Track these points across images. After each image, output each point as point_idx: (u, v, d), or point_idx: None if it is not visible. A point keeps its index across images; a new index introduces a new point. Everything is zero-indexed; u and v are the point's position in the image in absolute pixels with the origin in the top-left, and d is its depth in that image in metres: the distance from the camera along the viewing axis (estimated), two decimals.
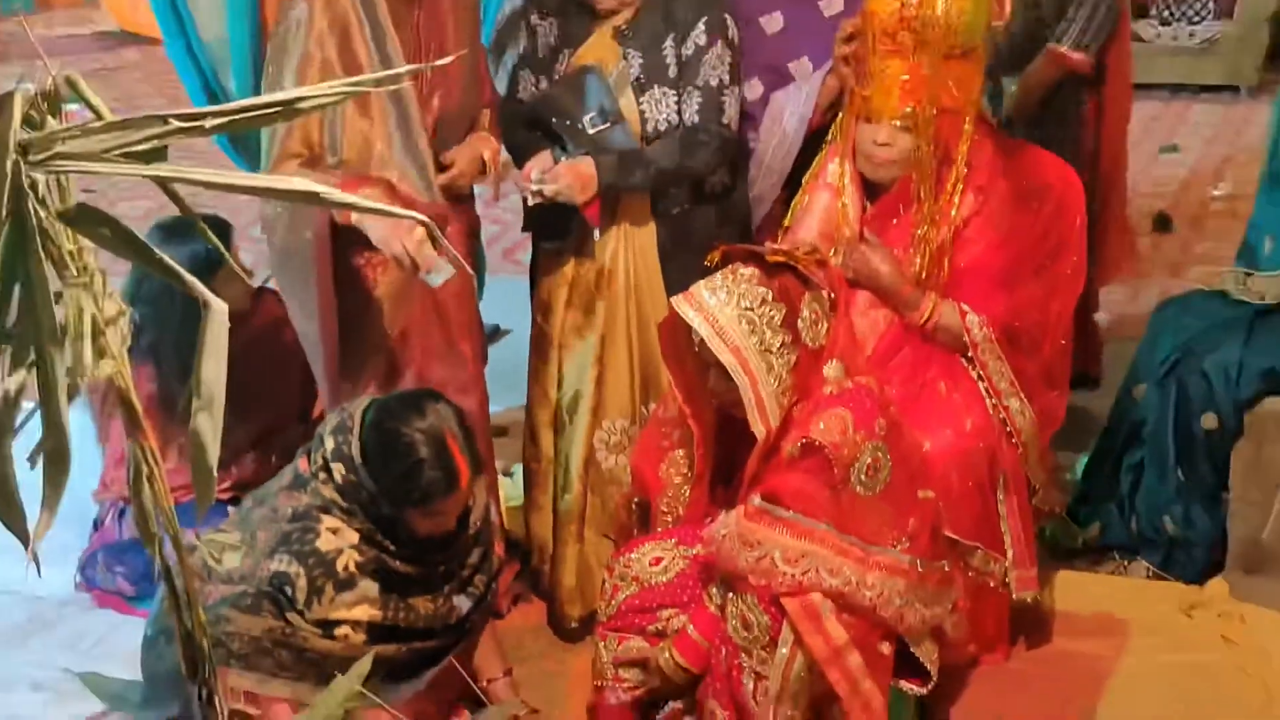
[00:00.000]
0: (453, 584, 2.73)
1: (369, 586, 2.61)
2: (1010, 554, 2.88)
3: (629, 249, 3.07)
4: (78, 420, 3.43)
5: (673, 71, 2.99)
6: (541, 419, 3.18)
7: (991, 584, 2.91)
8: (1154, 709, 2.87)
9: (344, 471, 2.60)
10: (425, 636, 2.70)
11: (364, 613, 2.60)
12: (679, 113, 3.01)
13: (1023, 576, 2.93)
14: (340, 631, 2.58)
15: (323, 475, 2.62)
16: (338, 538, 2.60)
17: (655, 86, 2.99)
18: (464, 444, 2.59)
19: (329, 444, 2.63)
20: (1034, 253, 2.94)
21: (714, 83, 3.00)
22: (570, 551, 3.19)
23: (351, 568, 2.59)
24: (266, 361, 3.48)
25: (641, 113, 3.00)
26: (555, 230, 3.05)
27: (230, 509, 3.42)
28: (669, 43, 2.99)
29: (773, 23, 3.20)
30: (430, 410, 2.60)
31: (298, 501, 2.63)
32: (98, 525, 3.51)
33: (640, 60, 2.99)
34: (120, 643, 3.14)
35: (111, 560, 3.40)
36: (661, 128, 3.00)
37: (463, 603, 2.74)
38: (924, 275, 2.88)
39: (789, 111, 3.10)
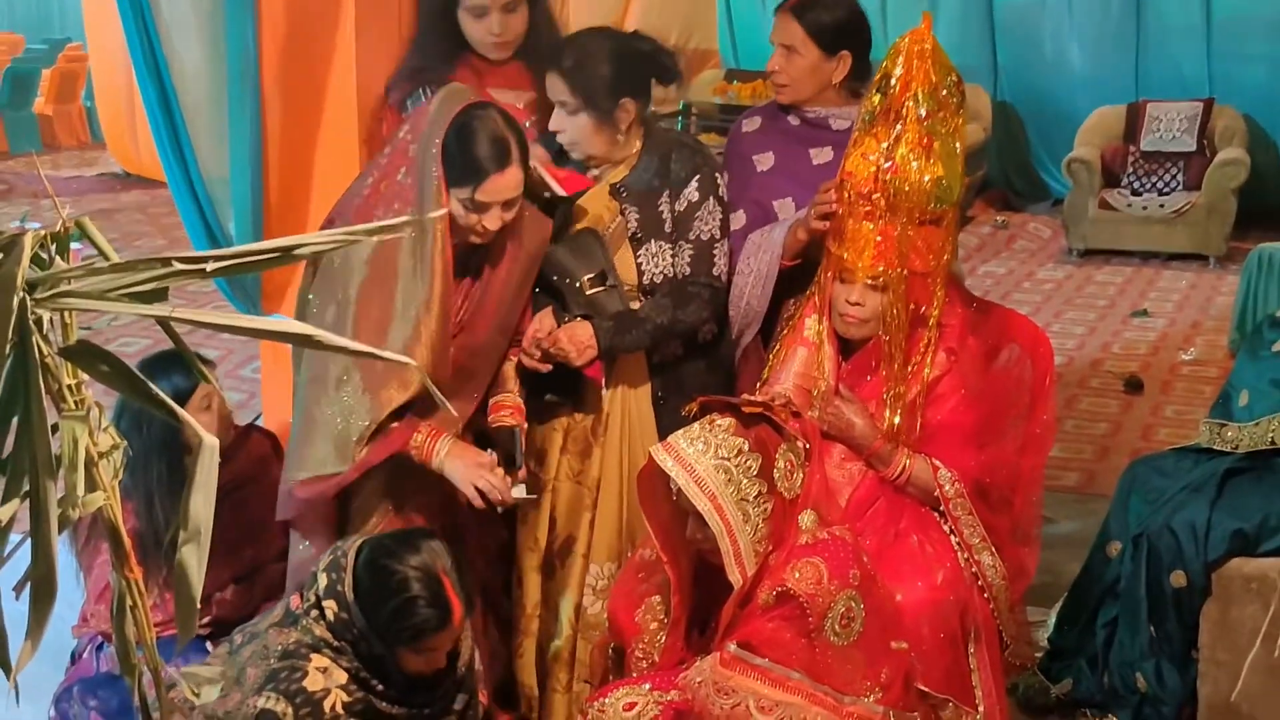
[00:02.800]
0: None
1: None
2: (981, 708, 2.90)
3: (624, 397, 3.15)
4: (59, 556, 3.45)
5: (668, 226, 3.10)
6: (529, 564, 3.20)
7: None
8: None
9: (336, 609, 2.61)
10: None
11: None
12: (673, 266, 3.11)
13: None
14: None
15: (314, 613, 2.63)
16: (326, 677, 2.59)
17: (651, 240, 3.09)
18: (455, 581, 2.61)
19: (322, 581, 2.65)
20: (1004, 410, 3.02)
21: (705, 237, 3.11)
22: (560, 700, 3.18)
23: (338, 708, 2.59)
24: (251, 498, 3.51)
25: (639, 265, 3.10)
26: (558, 385, 3.11)
27: (208, 645, 3.43)
28: (664, 199, 3.10)
29: (764, 161, 3.35)
30: (424, 548, 2.62)
31: (288, 638, 2.64)
32: (74, 659, 3.50)
33: (636, 215, 3.09)
34: None
35: (86, 694, 3.37)
36: (657, 280, 3.10)
37: None
38: (896, 431, 2.95)
39: (759, 255, 3.20)
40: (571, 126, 3.05)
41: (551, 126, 3.07)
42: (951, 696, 2.86)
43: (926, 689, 2.81)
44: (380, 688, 2.62)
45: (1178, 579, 3.34)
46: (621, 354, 3.09)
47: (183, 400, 3.15)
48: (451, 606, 2.59)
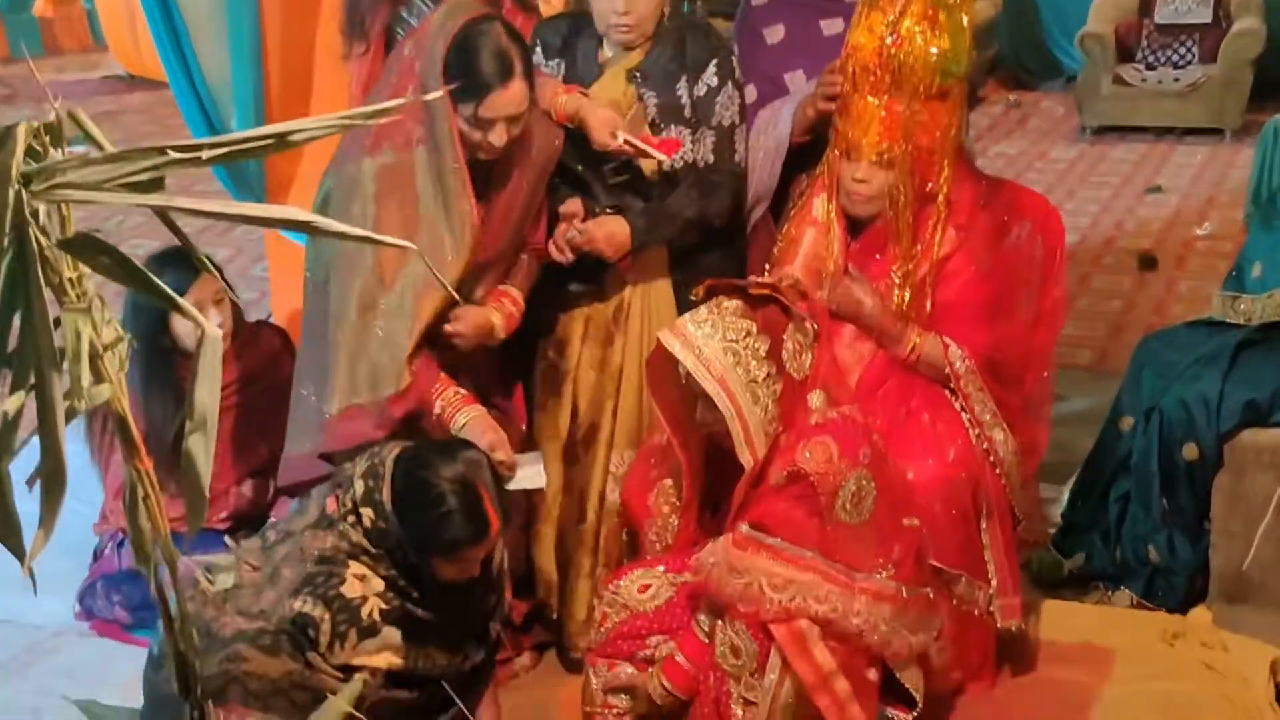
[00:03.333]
0: (469, 633, 2.74)
1: (391, 634, 2.61)
2: (994, 582, 2.92)
3: (645, 285, 3.13)
4: (78, 454, 3.49)
5: (687, 111, 3.06)
6: (550, 451, 3.20)
7: (976, 613, 2.95)
8: None
9: (373, 517, 2.60)
10: (436, 685, 2.69)
11: (385, 660, 2.61)
12: (694, 152, 3.07)
13: (1007, 605, 2.96)
14: (359, 675, 2.55)
15: (351, 518, 2.62)
16: (363, 584, 2.60)
17: (671, 126, 3.05)
18: (494, 494, 2.60)
19: (359, 488, 2.63)
20: (1015, 286, 2.99)
21: (725, 123, 3.07)
22: (583, 585, 3.20)
23: (376, 615, 2.59)
24: (263, 394, 3.53)
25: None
26: (580, 274, 3.09)
27: (228, 539, 3.48)
28: (682, 83, 3.06)
29: (774, 34, 3.30)
30: (462, 459, 2.60)
31: (324, 542, 2.63)
32: (97, 556, 3.56)
33: (655, 101, 3.05)
34: (118, 671, 3.17)
35: (110, 589, 3.44)
36: (677, 166, 3.06)
37: (476, 654, 2.76)
38: (907, 310, 2.93)
39: (769, 131, 3.17)
40: (644, 4, 3.00)
41: (623, 8, 2.99)
42: (964, 571, 2.88)
43: (939, 565, 2.83)
44: (416, 595, 2.63)
45: (1190, 451, 3.34)
46: (652, 247, 3.08)
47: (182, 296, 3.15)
48: (489, 520, 2.57)
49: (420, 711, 2.70)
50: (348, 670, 2.57)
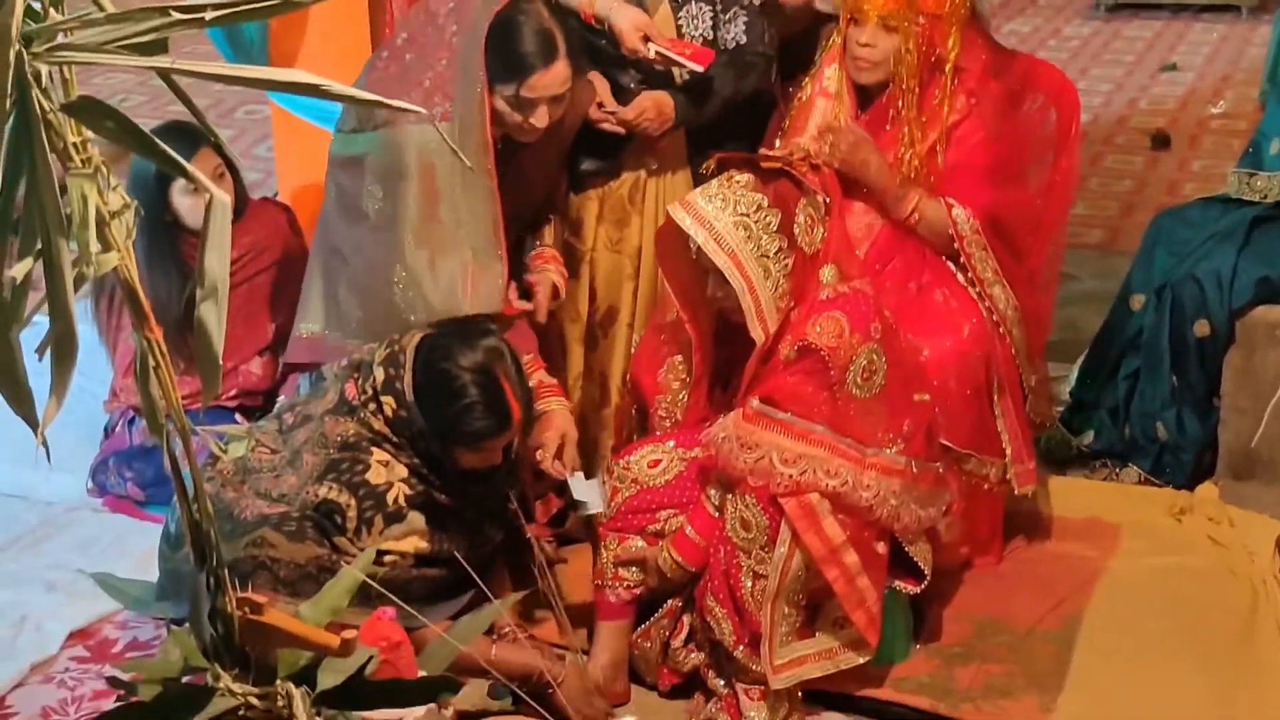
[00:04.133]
0: (490, 516, 2.74)
1: (416, 519, 2.61)
2: (1009, 451, 2.91)
3: (661, 163, 3.09)
4: (87, 333, 3.48)
5: None
6: (572, 335, 3.18)
7: (986, 486, 2.95)
8: (1142, 610, 2.93)
9: (394, 406, 2.58)
10: (459, 563, 2.68)
11: (411, 545, 2.61)
12: (714, 28, 3.01)
13: (1022, 471, 2.97)
14: (388, 559, 2.59)
15: (372, 406, 2.60)
16: (388, 471, 2.59)
17: (692, 2, 3.00)
18: (515, 383, 2.57)
19: (379, 375, 2.60)
20: (1024, 153, 2.95)
21: (756, 2, 3.02)
22: (606, 463, 3.19)
23: (401, 501, 2.59)
24: (269, 270, 3.52)
25: (678, 26, 3.01)
26: (602, 151, 3.05)
27: (238, 416, 3.49)
28: None
29: None
30: (482, 349, 2.57)
31: (345, 429, 2.61)
32: (108, 433, 3.56)
33: None
34: (131, 546, 3.20)
35: (122, 466, 3.45)
36: (698, 43, 3.00)
37: (497, 534, 2.77)
38: (914, 177, 2.89)
39: None
40: None
41: None
42: (975, 450, 2.88)
43: (950, 444, 2.83)
44: (438, 482, 2.62)
45: (1201, 328, 3.33)
46: (690, 124, 3.04)
47: (168, 180, 3.22)
48: (510, 410, 2.55)
49: (449, 587, 2.70)
50: (375, 554, 2.55)
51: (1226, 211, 3.48)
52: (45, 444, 1.59)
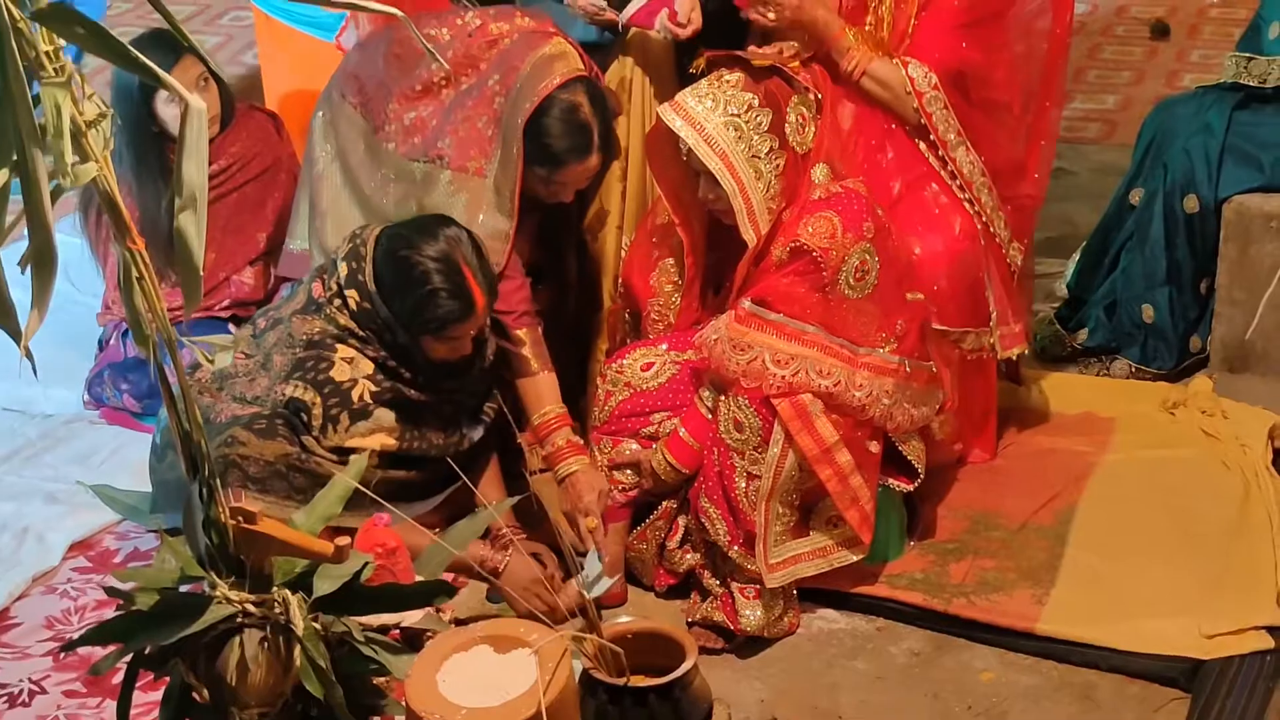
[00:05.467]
0: (465, 414, 2.75)
1: (384, 416, 2.63)
2: (994, 313, 2.87)
3: (645, 60, 3.05)
4: (78, 246, 3.46)
5: None
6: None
7: (985, 356, 2.93)
8: (1135, 503, 2.94)
9: (358, 299, 2.59)
10: (435, 463, 2.73)
11: (378, 441, 2.63)
12: None
13: (1007, 334, 2.93)
14: (360, 455, 2.61)
15: (337, 301, 2.61)
16: (352, 367, 2.61)
17: None
18: (477, 269, 2.58)
19: (342, 270, 2.61)
20: (1005, 12, 2.85)
21: None
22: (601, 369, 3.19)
23: (366, 398, 2.61)
24: (258, 178, 3.49)
25: None
26: (586, 50, 2.97)
27: (231, 326, 3.48)
28: None
29: None
30: (443, 236, 2.57)
31: (312, 327, 2.63)
32: (102, 345, 3.56)
33: None
34: (129, 457, 3.21)
35: (117, 378, 3.45)
36: None
37: (475, 431, 2.78)
38: (885, 32, 2.80)
39: None
40: None
41: None
42: (970, 328, 2.86)
43: (944, 327, 2.81)
44: (407, 375, 2.63)
45: (1190, 203, 3.31)
46: None
47: (152, 89, 3.15)
48: (473, 296, 2.55)
49: (421, 489, 2.73)
50: (341, 452, 2.60)
51: (1221, 96, 3.43)
52: (30, 355, 1.59)
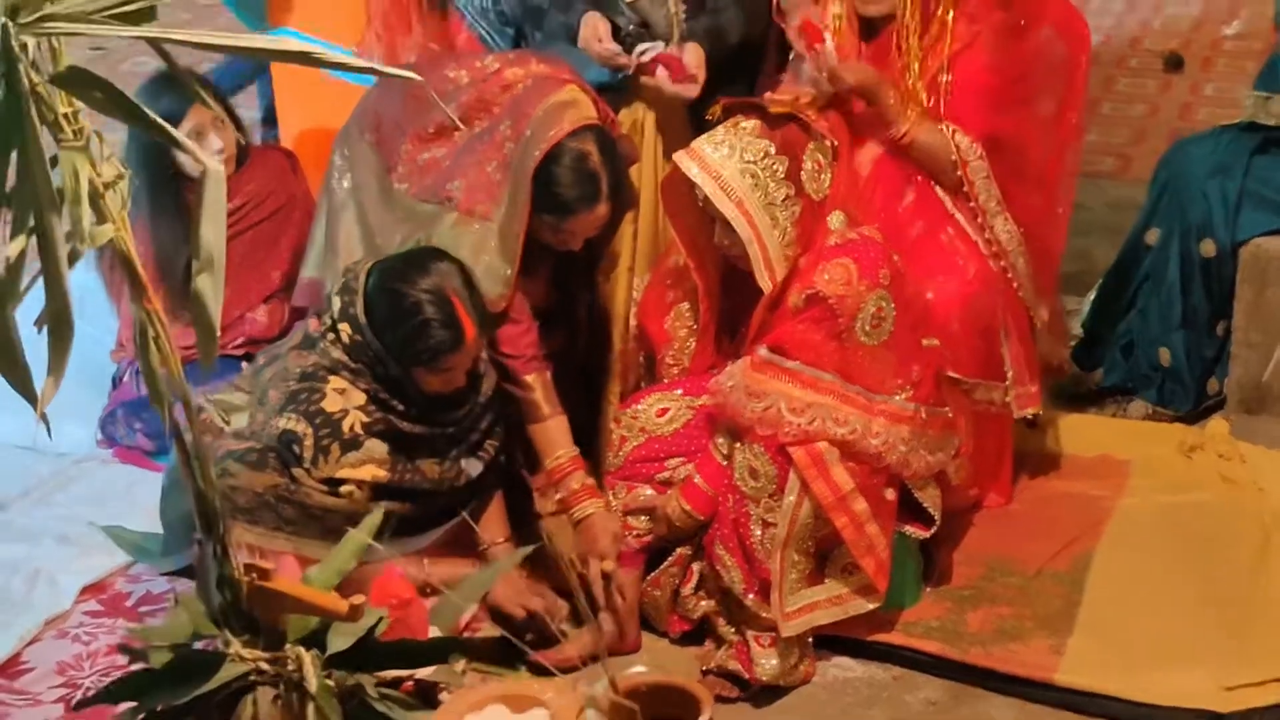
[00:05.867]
0: (461, 448, 2.75)
1: (376, 447, 2.64)
2: (1010, 374, 2.88)
3: (657, 103, 3.05)
4: (92, 281, 3.46)
5: None
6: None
7: (993, 409, 2.92)
8: (1152, 549, 2.91)
9: (350, 332, 2.62)
10: (431, 497, 2.74)
11: (369, 473, 2.64)
12: None
13: (1023, 394, 2.92)
14: (345, 489, 2.64)
15: (330, 336, 2.64)
16: (343, 398, 2.63)
17: None
18: (467, 301, 2.60)
19: (335, 304, 2.65)
20: (1031, 82, 2.87)
21: None
22: (613, 413, 3.17)
23: (357, 428, 2.63)
24: (273, 216, 3.49)
25: None
26: (600, 90, 2.98)
27: (244, 365, 3.47)
28: None
29: None
30: (434, 269, 2.61)
31: (306, 361, 2.67)
32: (116, 383, 3.55)
33: None
34: (141, 496, 3.18)
35: (130, 417, 3.44)
36: None
37: (473, 466, 2.77)
38: (914, 102, 2.81)
39: None
40: None
41: None
42: (982, 379, 2.85)
43: (957, 375, 2.80)
44: (400, 408, 2.65)
45: (1207, 247, 3.30)
46: None
47: (176, 122, 3.13)
48: (464, 327, 2.58)
49: (415, 524, 2.74)
50: (333, 483, 2.63)
51: (1239, 137, 3.42)
52: (45, 420, 1.59)
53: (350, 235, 2.98)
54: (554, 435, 2.80)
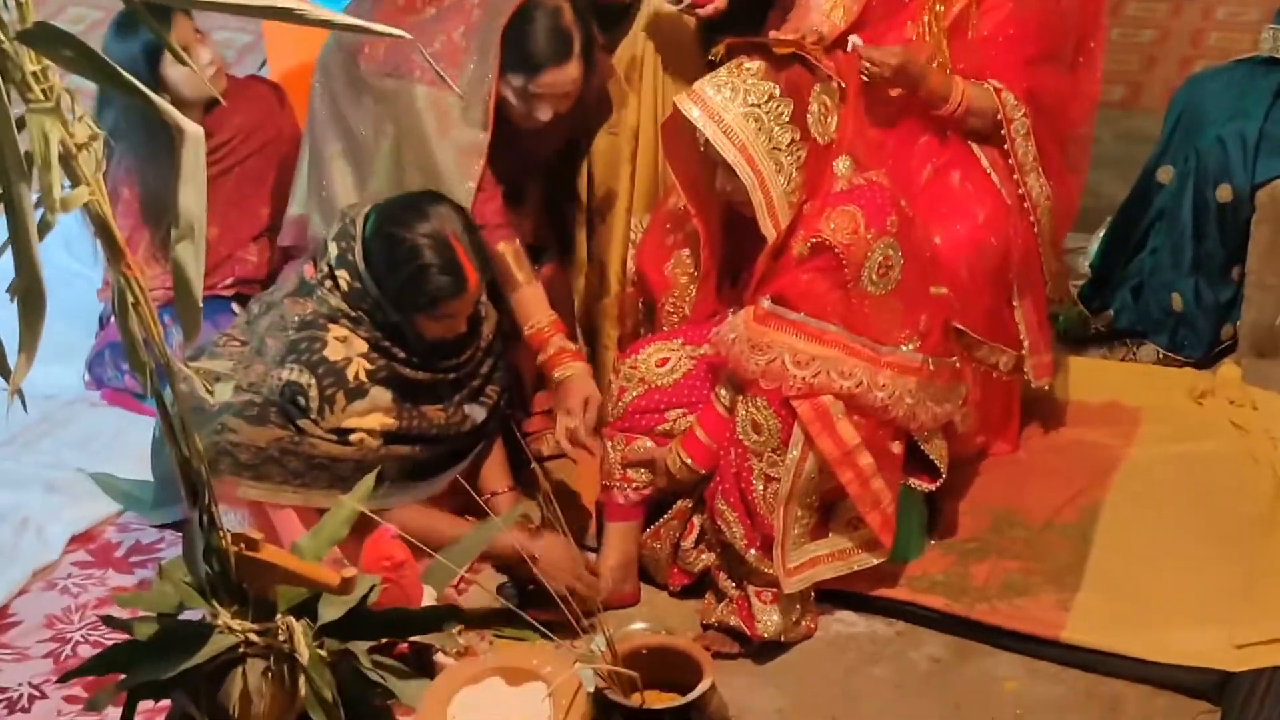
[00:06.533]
0: (464, 393, 2.70)
1: (381, 394, 2.59)
2: (1026, 342, 2.82)
3: (659, 38, 2.95)
4: (76, 217, 3.36)
5: None
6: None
7: (995, 374, 2.86)
8: (1162, 500, 2.86)
9: (349, 279, 2.55)
10: (439, 441, 2.69)
11: (377, 421, 2.59)
12: None
13: (1039, 364, 2.88)
14: (355, 437, 2.58)
15: (328, 283, 2.58)
16: (346, 346, 2.57)
17: None
18: (469, 245, 2.54)
19: (332, 250, 2.58)
20: (1056, 23, 2.78)
21: None
22: (610, 357, 3.09)
23: (362, 376, 2.57)
24: (260, 152, 3.39)
25: None
26: (599, 27, 2.91)
27: (234, 306, 3.40)
28: None
29: None
30: (433, 213, 2.53)
31: (304, 309, 2.59)
32: (103, 323, 3.48)
33: None
34: (131, 441, 3.13)
35: (118, 358, 3.37)
36: None
37: (476, 412, 2.73)
38: (943, 58, 2.73)
39: None
40: None
41: None
42: (988, 339, 2.78)
43: (965, 329, 2.73)
44: (402, 355, 2.59)
45: (1223, 193, 3.21)
46: None
47: (157, 55, 3.05)
48: (465, 272, 2.51)
49: (424, 467, 2.70)
50: (341, 433, 2.57)
51: (1256, 73, 3.32)
52: (22, 396, 1.52)
53: (325, 136, 2.92)
54: (529, 303, 2.77)
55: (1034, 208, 2.81)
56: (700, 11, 2.83)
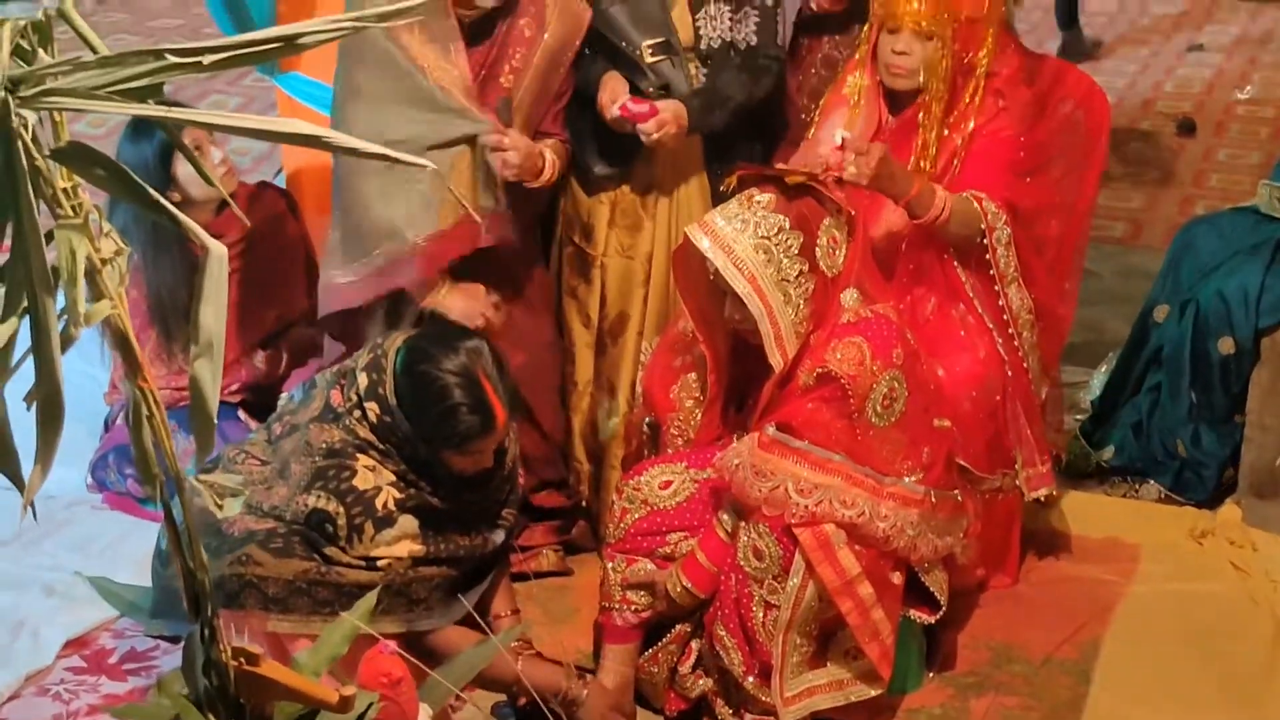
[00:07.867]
0: (485, 519, 2.69)
1: (408, 523, 2.56)
2: (1019, 457, 2.83)
3: (674, 168, 3.01)
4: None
5: None
6: (581, 340, 3.13)
7: (1000, 497, 2.87)
8: (1162, 640, 2.86)
9: (378, 412, 2.54)
10: (463, 564, 2.67)
11: (405, 549, 2.56)
12: (731, 31, 2.95)
13: (1034, 475, 2.88)
14: (382, 563, 2.55)
15: (357, 413, 2.56)
16: (375, 475, 2.55)
17: (711, 3, 2.93)
18: (497, 383, 2.53)
19: (362, 381, 2.56)
20: (1051, 152, 2.86)
21: (770, 2, 2.97)
22: (615, 477, 3.08)
23: (390, 505, 2.55)
24: (271, 257, 3.43)
25: (696, 28, 2.94)
26: (615, 155, 2.99)
27: (240, 413, 3.41)
28: None
29: None
30: (463, 350, 2.53)
31: (331, 436, 2.57)
32: (108, 426, 3.49)
33: None
34: (132, 547, 3.13)
35: (122, 462, 3.38)
36: (715, 45, 2.95)
37: (495, 535, 2.72)
38: (938, 175, 2.77)
39: None
40: None
41: None
42: (989, 472, 2.80)
43: (967, 465, 2.75)
44: (429, 487, 2.58)
45: (1225, 345, 3.25)
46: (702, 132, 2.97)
47: (169, 154, 3.13)
48: (494, 411, 2.50)
49: (451, 585, 2.67)
50: (368, 560, 2.54)
51: (1257, 225, 3.38)
52: (33, 507, 1.53)
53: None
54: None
55: (1014, 319, 2.84)
56: (648, 137, 2.88)
